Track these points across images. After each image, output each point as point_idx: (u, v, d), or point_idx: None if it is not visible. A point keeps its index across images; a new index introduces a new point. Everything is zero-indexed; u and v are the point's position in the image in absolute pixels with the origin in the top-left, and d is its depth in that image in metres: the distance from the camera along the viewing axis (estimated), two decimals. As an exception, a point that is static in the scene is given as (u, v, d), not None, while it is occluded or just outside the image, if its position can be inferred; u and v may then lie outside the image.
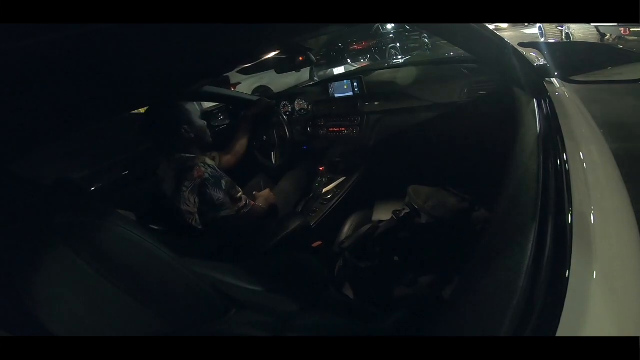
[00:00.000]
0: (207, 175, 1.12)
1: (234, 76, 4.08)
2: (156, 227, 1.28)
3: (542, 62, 0.91)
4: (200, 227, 1.17)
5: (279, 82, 4.43)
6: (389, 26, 7.22)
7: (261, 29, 0.84)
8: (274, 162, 1.78)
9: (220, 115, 2.05)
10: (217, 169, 1.23)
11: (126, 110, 1.34)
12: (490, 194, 0.76)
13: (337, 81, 1.71)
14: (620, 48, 0.87)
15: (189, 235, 1.27)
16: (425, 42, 7.68)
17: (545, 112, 0.73)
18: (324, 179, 1.56)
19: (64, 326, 0.40)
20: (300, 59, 1.53)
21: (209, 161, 1.22)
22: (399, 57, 6.53)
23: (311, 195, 1.62)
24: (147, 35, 0.58)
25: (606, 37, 4.69)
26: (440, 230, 1.10)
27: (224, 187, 1.17)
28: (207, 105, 3.18)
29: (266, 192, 1.46)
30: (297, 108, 1.85)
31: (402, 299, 1.02)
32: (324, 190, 1.49)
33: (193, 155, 1.19)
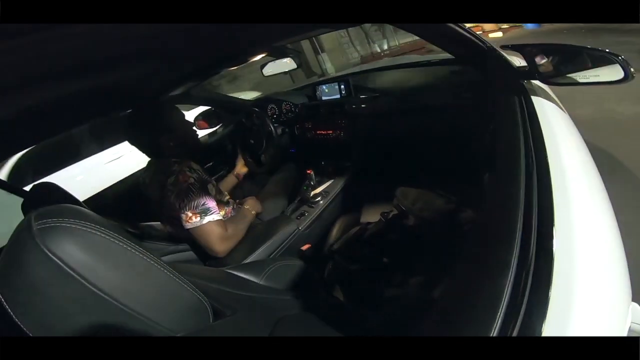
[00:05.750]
0: (192, 180, 1.10)
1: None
2: (142, 232, 1.25)
3: (522, 63, 0.93)
4: (186, 232, 1.15)
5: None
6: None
7: (250, 30, 0.84)
8: (261, 166, 1.77)
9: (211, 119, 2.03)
10: (203, 173, 1.21)
11: (117, 111, 1.32)
12: (476, 194, 0.77)
13: (324, 84, 1.72)
14: (599, 50, 0.90)
15: (174, 240, 1.25)
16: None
17: (526, 112, 0.75)
18: (312, 182, 1.56)
19: (47, 333, 0.39)
20: (288, 61, 1.53)
21: (194, 165, 1.20)
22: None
23: (299, 198, 1.62)
24: (138, 36, 0.57)
25: None
26: (428, 231, 1.11)
27: (210, 191, 1.16)
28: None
29: (253, 198, 1.46)
30: (284, 111, 1.85)
31: (391, 300, 1.02)
32: (312, 193, 1.49)
33: (178, 160, 1.17)
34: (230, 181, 1.71)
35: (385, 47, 7.66)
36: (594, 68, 0.82)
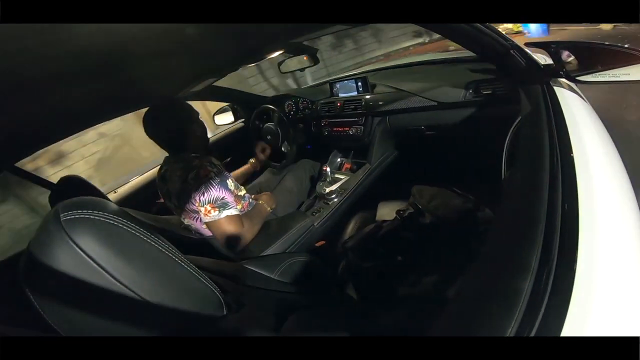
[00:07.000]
0: (212, 175, 1.13)
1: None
2: (160, 225, 1.29)
3: (548, 61, 0.90)
4: (203, 226, 1.18)
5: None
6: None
7: (266, 28, 0.84)
8: (277, 162, 1.79)
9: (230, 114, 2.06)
10: (223, 168, 1.23)
11: (131, 110, 1.35)
12: (495, 194, 0.75)
13: (342, 81, 1.71)
14: (628, 48, 0.86)
15: (192, 233, 1.28)
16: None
17: (551, 110, 0.72)
18: (327, 179, 1.56)
19: (68, 324, 0.40)
20: (305, 58, 1.53)
21: (215, 161, 1.23)
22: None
23: (315, 194, 1.62)
24: (152, 34, 0.58)
25: None
26: (444, 230, 1.09)
27: (229, 186, 1.18)
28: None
29: (268, 194, 1.48)
30: (301, 107, 1.85)
31: (405, 299, 1.01)
32: (328, 190, 1.49)
33: (199, 155, 1.19)
34: (245, 169, 1.74)
35: (310, 81, 4.87)
36: (624, 67, 0.79)
